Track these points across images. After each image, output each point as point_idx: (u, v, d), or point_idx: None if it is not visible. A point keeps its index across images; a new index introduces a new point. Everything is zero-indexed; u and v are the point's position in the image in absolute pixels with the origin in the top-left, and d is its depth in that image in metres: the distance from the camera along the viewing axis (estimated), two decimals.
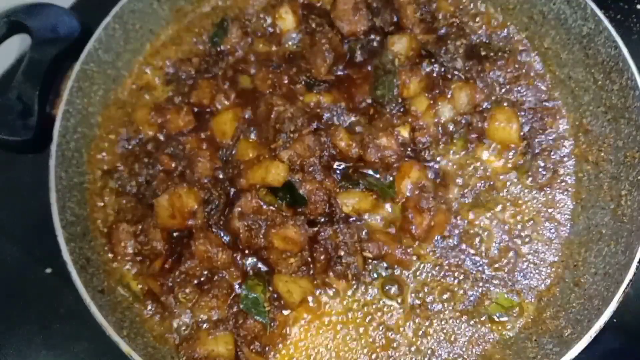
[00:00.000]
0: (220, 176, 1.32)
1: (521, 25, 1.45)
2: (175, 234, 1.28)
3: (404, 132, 1.31)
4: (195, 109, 1.40)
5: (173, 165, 1.34)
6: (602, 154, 1.28)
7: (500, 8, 1.46)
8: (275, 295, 1.21)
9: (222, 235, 1.26)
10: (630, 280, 1.07)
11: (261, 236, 1.22)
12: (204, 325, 1.21)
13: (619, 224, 1.19)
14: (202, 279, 1.24)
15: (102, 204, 1.34)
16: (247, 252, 1.25)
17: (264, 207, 1.23)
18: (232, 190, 1.29)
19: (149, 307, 1.24)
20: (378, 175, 1.30)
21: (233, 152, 1.34)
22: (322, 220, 1.25)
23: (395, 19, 1.44)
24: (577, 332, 1.08)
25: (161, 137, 1.40)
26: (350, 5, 1.43)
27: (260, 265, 1.25)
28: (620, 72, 1.23)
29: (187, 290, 1.22)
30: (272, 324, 1.20)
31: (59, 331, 1.43)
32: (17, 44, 1.57)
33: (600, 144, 1.29)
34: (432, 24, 1.45)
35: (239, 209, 1.23)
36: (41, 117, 1.31)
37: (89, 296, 1.11)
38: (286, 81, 1.40)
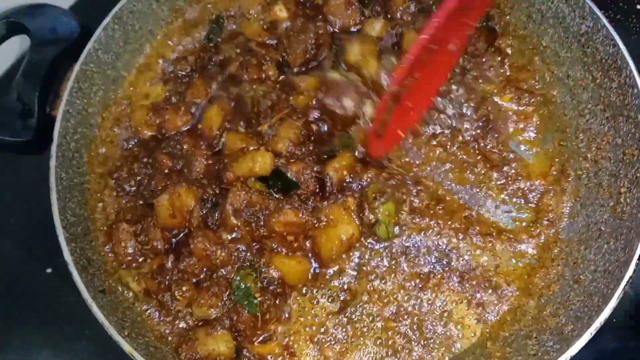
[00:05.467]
0: (212, 173, 1.32)
1: (520, 24, 1.45)
2: (174, 233, 1.28)
3: (369, 109, 1.32)
4: (192, 108, 1.41)
5: (171, 164, 1.35)
6: (601, 152, 1.28)
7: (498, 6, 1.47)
8: (274, 285, 1.22)
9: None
10: (630, 278, 1.07)
11: (262, 227, 1.23)
12: (202, 325, 1.21)
13: (618, 221, 1.19)
14: (201, 277, 1.24)
15: (102, 204, 1.34)
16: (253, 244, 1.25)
17: (254, 197, 1.23)
18: (220, 185, 1.29)
19: (148, 306, 1.24)
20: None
21: (222, 146, 1.34)
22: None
23: (384, 10, 1.46)
24: (577, 329, 1.08)
25: (159, 137, 1.40)
26: (342, 1, 1.44)
27: (254, 252, 1.24)
28: (619, 69, 1.23)
29: (184, 288, 1.22)
30: (268, 312, 1.20)
31: (59, 331, 1.43)
32: (17, 45, 1.58)
33: (599, 141, 1.29)
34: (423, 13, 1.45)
35: (231, 206, 1.23)
36: (41, 117, 1.31)
37: (90, 296, 1.11)
38: (254, 62, 1.41)
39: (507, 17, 1.46)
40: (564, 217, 1.31)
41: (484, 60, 1.41)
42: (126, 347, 1.08)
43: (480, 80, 1.40)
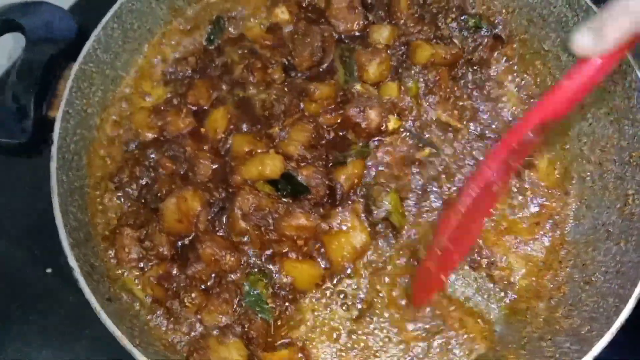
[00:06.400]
0: (218, 176, 1.30)
1: (521, 28, 1.46)
2: (180, 237, 1.24)
3: (392, 124, 1.32)
4: (194, 110, 1.38)
5: (174, 167, 1.31)
6: (606, 155, 1.29)
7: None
8: (285, 290, 1.20)
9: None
10: None
11: (272, 231, 1.21)
12: (213, 332, 1.17)
13: (627, 222, 1.19)
14: (209, 283, 1.21)
15: (102, 208, 1.30)
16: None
17: (263, 200, 1.21)
18: (227, 188, 1.27)
19: (157, 314, 1.20)
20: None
21: (228, 148, 1.32)
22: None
23: (388, 15, 1.45)
24: (595, 330, 1.08)
25: (161, 140, 1.36)
26: (345, 4, 1.43)
27: (263, 259, 1.23)
28: (624, 73, 1.24)
29: (193, 295, 1.19)
30: (280, 319, 1.18)
31: (59, 331, 1.41)
32: (14, 44, 1.54)
33: (603, 144, 1.30)
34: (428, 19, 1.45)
35: (240, 210, 1.20)
36: (37, 119, 1.27)
37: (98, 304, 1.07)
38: (259, 65, 1.39)
39: (510, 22, 1.47)
40: (569, 219, 1.32)
41: (491, 69, 1.43)
42: (139, 356, 1.03)
43: (493, 91, 1.41)
